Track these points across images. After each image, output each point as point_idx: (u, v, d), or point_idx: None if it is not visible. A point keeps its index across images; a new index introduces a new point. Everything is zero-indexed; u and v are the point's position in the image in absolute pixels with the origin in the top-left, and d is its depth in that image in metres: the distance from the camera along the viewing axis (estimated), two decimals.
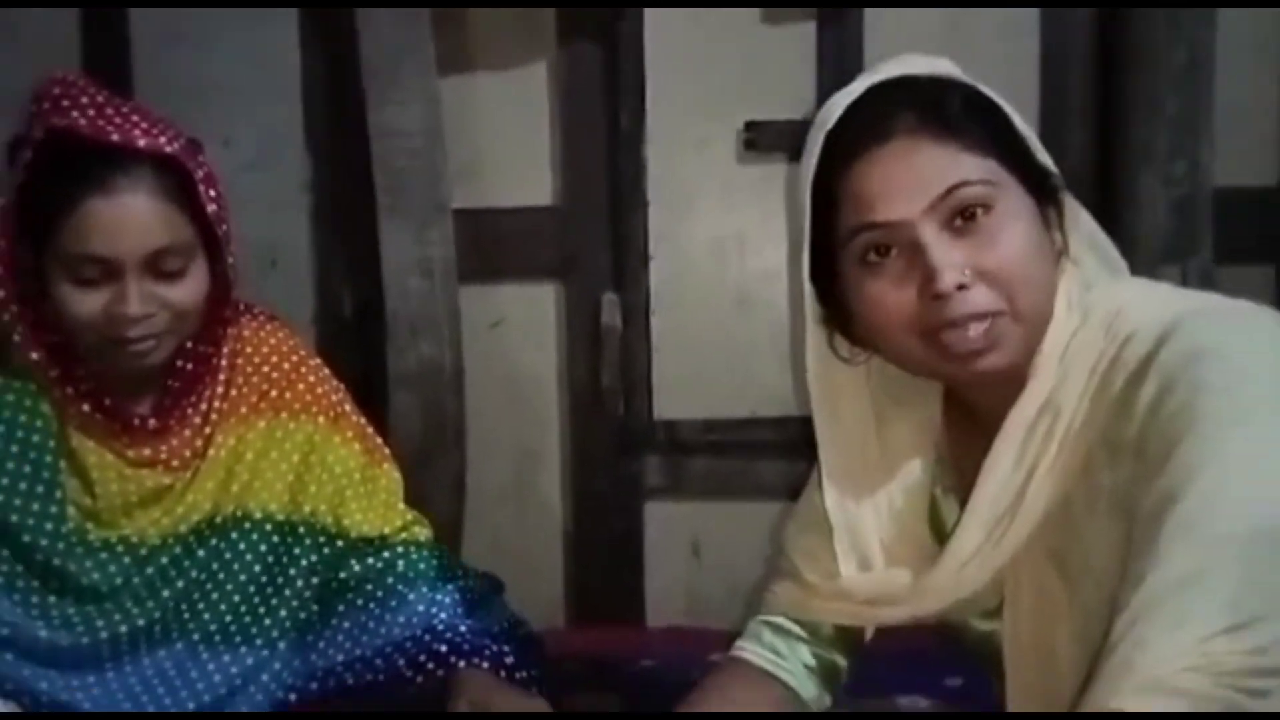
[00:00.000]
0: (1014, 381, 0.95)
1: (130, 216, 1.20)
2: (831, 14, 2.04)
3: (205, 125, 1.86)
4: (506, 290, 2.15)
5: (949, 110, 0.93)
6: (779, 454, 2.09)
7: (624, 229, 2.11)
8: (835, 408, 1.06)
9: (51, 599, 1.30)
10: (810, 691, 1.11)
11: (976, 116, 0.94)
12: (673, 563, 2.17)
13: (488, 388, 2.11)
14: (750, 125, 2.07)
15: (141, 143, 1.20)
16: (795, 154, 2.03)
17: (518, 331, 2.16)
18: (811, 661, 1.11)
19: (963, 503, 0.99)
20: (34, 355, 1.26)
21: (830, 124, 0.96)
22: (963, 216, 0.91)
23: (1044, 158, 0.97)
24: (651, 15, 2.06)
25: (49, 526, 1.29)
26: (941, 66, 0.98)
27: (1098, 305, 0.95)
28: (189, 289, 1.25)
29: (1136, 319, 0.92)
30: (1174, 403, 0.85)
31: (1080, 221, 1.00)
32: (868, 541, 1.04)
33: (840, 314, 1.01)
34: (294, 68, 2.11)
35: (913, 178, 0.91)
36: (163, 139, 1.22)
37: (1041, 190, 0.96)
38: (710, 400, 2.14)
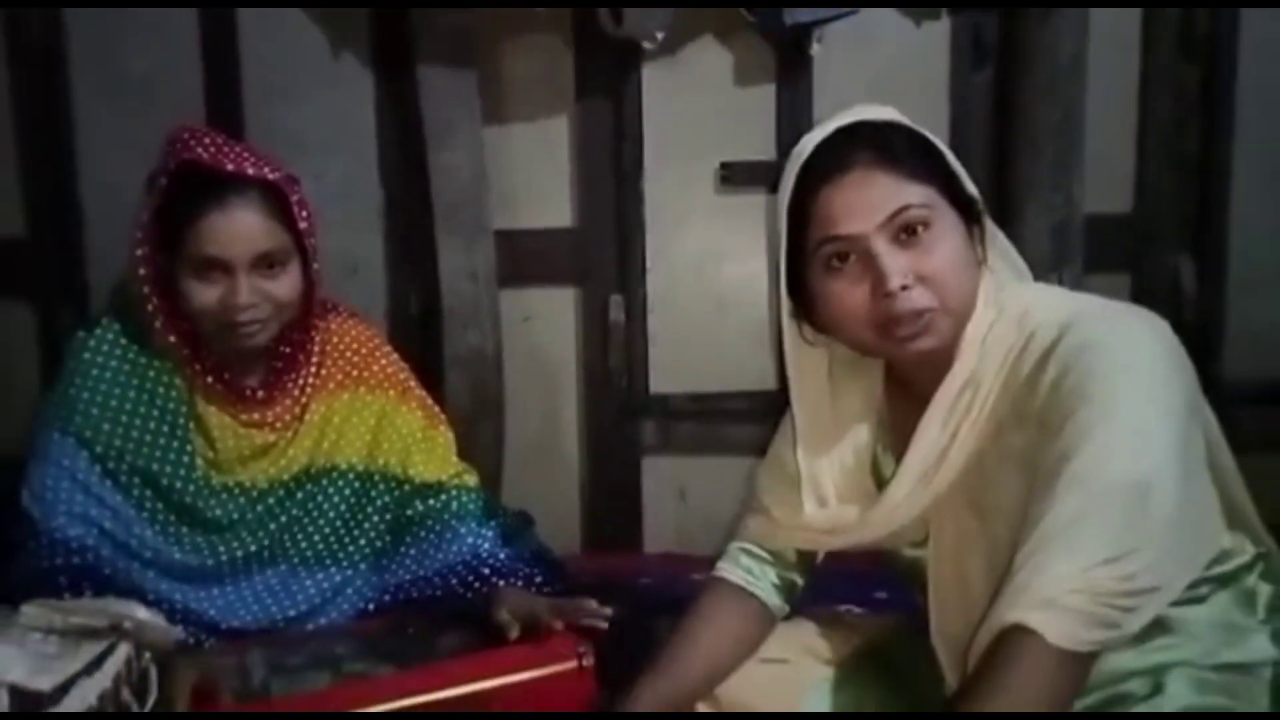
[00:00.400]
0: (943, 362, 0.95)
1: (241, 226, 1.21)
2: (787, 78, 2.03)
3: (301, 164, 1.87)
4: (535, 293, 2.13)
5: (896, 148, 0.94)
6: (749, 419, 2.07)
7: (627, 246, 2.09)
8: (803, 381, 1.06)
9: (184, 530, 1.31)
10: (776, 603, 1.12)
11: (918, 153, 0.95)
12: (664, 505, 2.16)
13: (521, 369, 2.10)
14: (725, 165, 2.06)
15: (250, 171, 1.22)
16: (762, 186, 2.07)
17: (544, 325, 2.14)
18: (777, 580, 1.12)
19: (898, 458, 1.00)
20: (171, 338, 1.27)
21: (804, 157, 0.96)
22: (907, 232, 0.92)
23: (970, 187, 0.98)
24: (649, 78, 2.04)
25: (182, 473, 1.30)
26: (889, 114, 0.99)
27: (1010, 303, 0.95)
28: (287, 285, 1.26)
29: (1040, 316, 0.92)
30: (1069, 384, 0.86)
31: (996, 239, 1.00)
32: (825, 485, 1.04)
33: (807, 308, 1.01)
34: (370, 120, 2.08)
35: (868, 201, 0.92)
36: (267, 169, 1.24)
37: (967, 212, 0.96)
38: (695, 378, 2.13)
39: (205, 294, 1.23)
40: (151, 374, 1.30)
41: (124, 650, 0.91)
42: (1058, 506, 0.82)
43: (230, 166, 1.21)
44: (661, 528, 2.16)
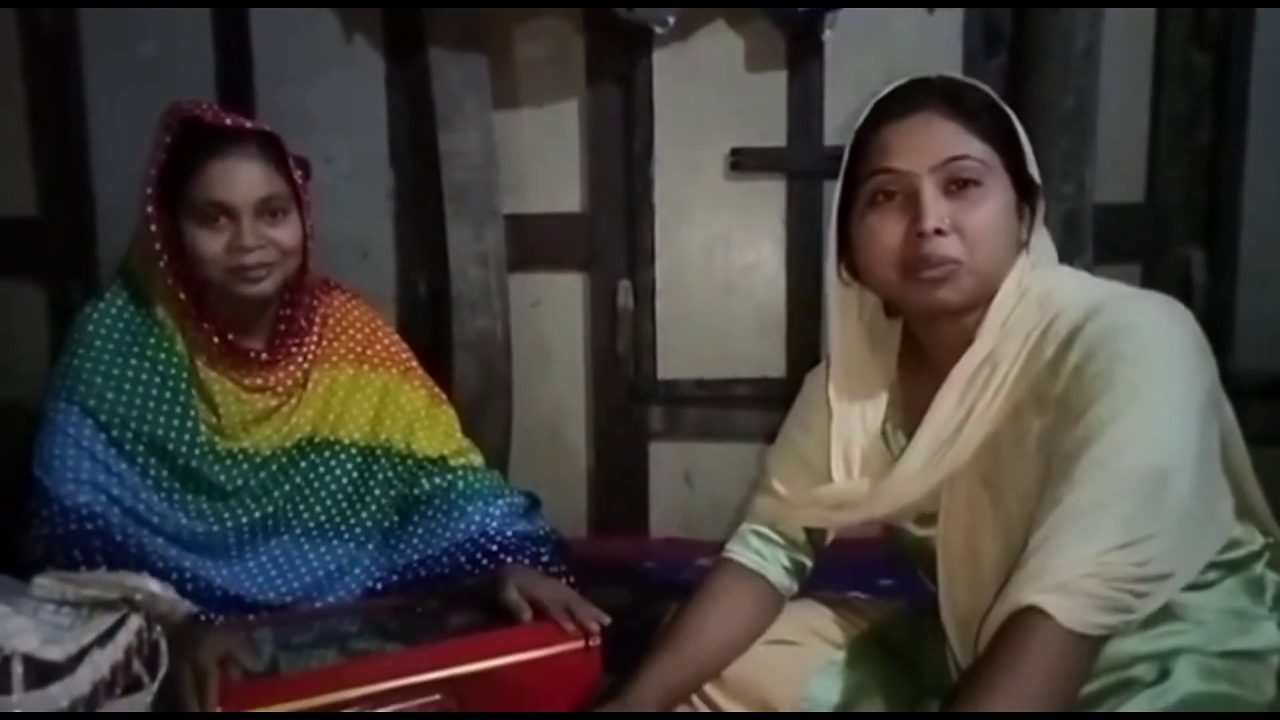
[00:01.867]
0: (961, 339, 0.95)
1: (242, 171, 1.24)
2: (799, 64, 2.02)
3: (312, 146, 1.88)
4: (543, 278, 2.13)
5: (968, 102, 0.93)
6: (754, 406, 2.08)
7: (636, 231, 2.09)
8: (844, 327, 1.05)
9: (189, 496, 1.32)
10: (785, 584, 1.11)
11: (989, 115, 0.94)
12: (670, 489, 2.16)
13: (529, 353, 2.10)
14: (735, 151, 2.05)
15: (248, 124, 1.27)
16: (772, 172, 2.06)
17: (552, 310, 2.14)
18: (787, 563, 1.11)
19: (909, 435, 0.99)
20: (181, 295, 1.28)
21: (878, 97, 0.96)
22: (957, 183, 0.91)
23: (1034, 170, 0.97)
24: (659, 63, 2.04)
25: (186, 438, 1.31)
26: (975, 83, 0.98)
27: (1034, 285, 0.94)
28: (289, 231, 1.28)
29: (1064, 298, 0.92)
30: (1094, 367, 0.85)
31: (1041, 226, 1.00)
32: (853, 450, 1.03)
33: (848, 247, 1.00)
34: (381, 102, 2.09)
35: (926, 141, 0.92)
36: (264, 126, 1.29)
37: (1023, 191, 0.96)
38: (701, 364, 2.13)
39: (212, 241, 1.25)
40: (153, 341, 1.31)
41: (135, 622, 0.92)
42: (1076, 490, 0.82)
43: (229, 121, 1.25)
44: (667, 512, 2.17)
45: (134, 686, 0.92)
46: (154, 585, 0.92)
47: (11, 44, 2.10)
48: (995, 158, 0.93)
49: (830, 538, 1.14)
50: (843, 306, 1.04)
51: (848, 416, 1.04)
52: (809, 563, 1.13)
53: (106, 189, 2.11)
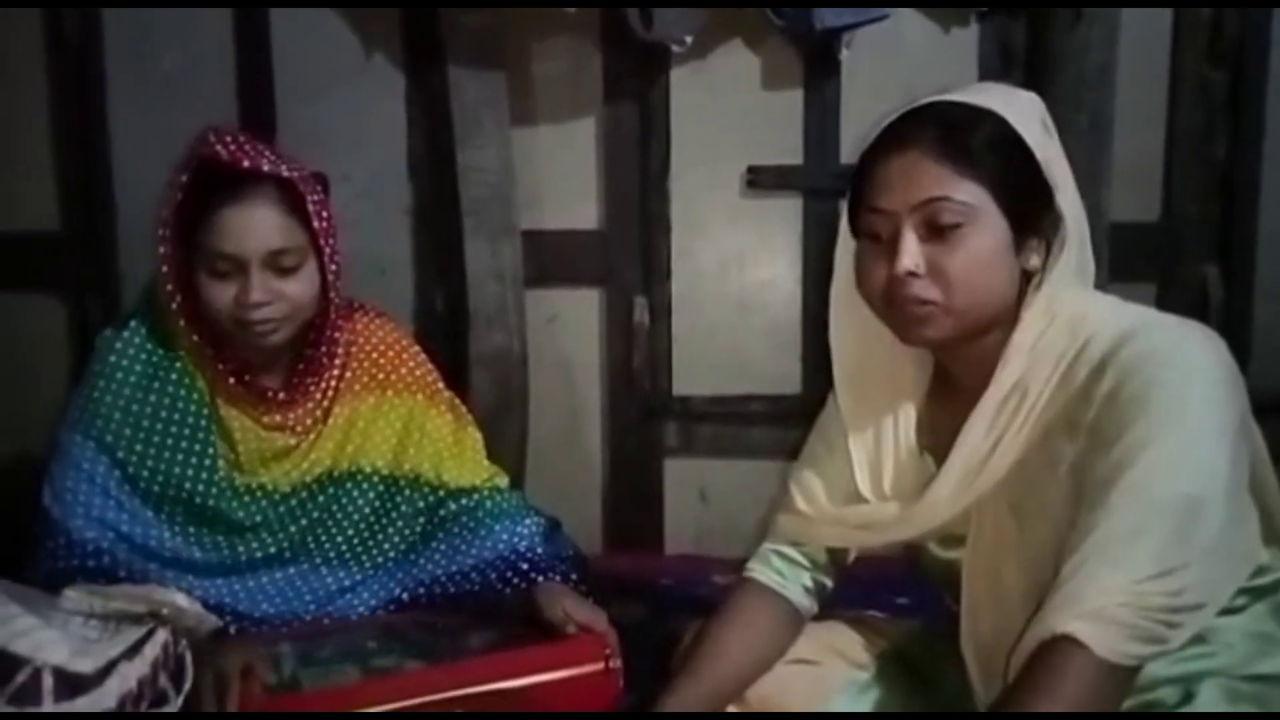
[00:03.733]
0: (989, 364, 0.95)
1: (254, 222, 1.20)
2: (815, 83, 2.04)
3: (330, 163, 1.89)
4: (560, 294, 2.13)
5: (963, 139, 0.91)
6: (769, 422, 2.09)
7: (652, 248, 2.10)
8: (863, 346, 1.04)
9: (205, 531, 1.31)
10: (806, 606, 1.11)
11: (989, 150, 0.91)
12: (685, 506, 2.16)
13: (545, 369, 2.11)
14: (752, 169, 2.06)
15: (265, 168, 1.20)
16: (789, 190, 2.07)
17: (568, 326, 2.14)
18: (809, 584, 1.11)
19: (937, 457, 0.99)
20: (195, 338, 1.26)
21: (887, 122, 0.96)
22: (937, 224, 0.91)
23: (1064, 200, 0.94)
24: (677, 80, 2.05)
25: (204, 475, 1.29)
26: (1000, 101, 0.94)
27: (1064, 309, 0.93)
28: (301, 286, 1.24)
29: (1096, 323, 0.91)
30: (1128, 393, 0.85)
31: (1070, 252, 0.95)
32: (882, 471, 1.03)
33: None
34: (400, 119, 2.10)
35: (909, 181, 0.91)
36: (283, 167, 1.22)
37: (1023, 224, 0.93)
38: (716, 380, 2.13)
39: (220, 292, 1.21)
40: (174, 376, 1.29)
41: (162, 636, 0.93)
42: (1110, 517, 0.82)
43: (246, 163, 1.19)
44: (682, 529, 2.17)
45: (160, 700, 0.92)
46: (181, 599, 0.93)
47: (35, 57, 2.12)
48: (986, 197, 0.91)
49: (852, 557, 1.13)
50: (862, 326, 1.02)
51: (870, 437, 1.03)
52: (830, 583, 1.13)
53: (128, 203, 2.12)
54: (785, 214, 2.09)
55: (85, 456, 1.25)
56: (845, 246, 1.01)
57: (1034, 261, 0.94)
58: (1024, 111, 0.94)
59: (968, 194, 0.91)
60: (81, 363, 1.86)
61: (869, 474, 1.03)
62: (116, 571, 1.19)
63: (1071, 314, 0.93)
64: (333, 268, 1.27)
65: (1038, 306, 0.93)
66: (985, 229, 0.91)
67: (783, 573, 1.10)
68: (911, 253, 0.91)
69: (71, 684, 0.86)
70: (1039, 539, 0.91)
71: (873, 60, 2.01)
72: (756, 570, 1.11)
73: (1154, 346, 0.87)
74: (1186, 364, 0.86)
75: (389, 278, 2.12)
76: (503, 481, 1.47)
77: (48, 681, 0.84)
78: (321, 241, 1.25)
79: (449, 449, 1.42)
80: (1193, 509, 0.81)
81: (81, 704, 0.86)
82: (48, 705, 0.85)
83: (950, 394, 1.02)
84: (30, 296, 2.18)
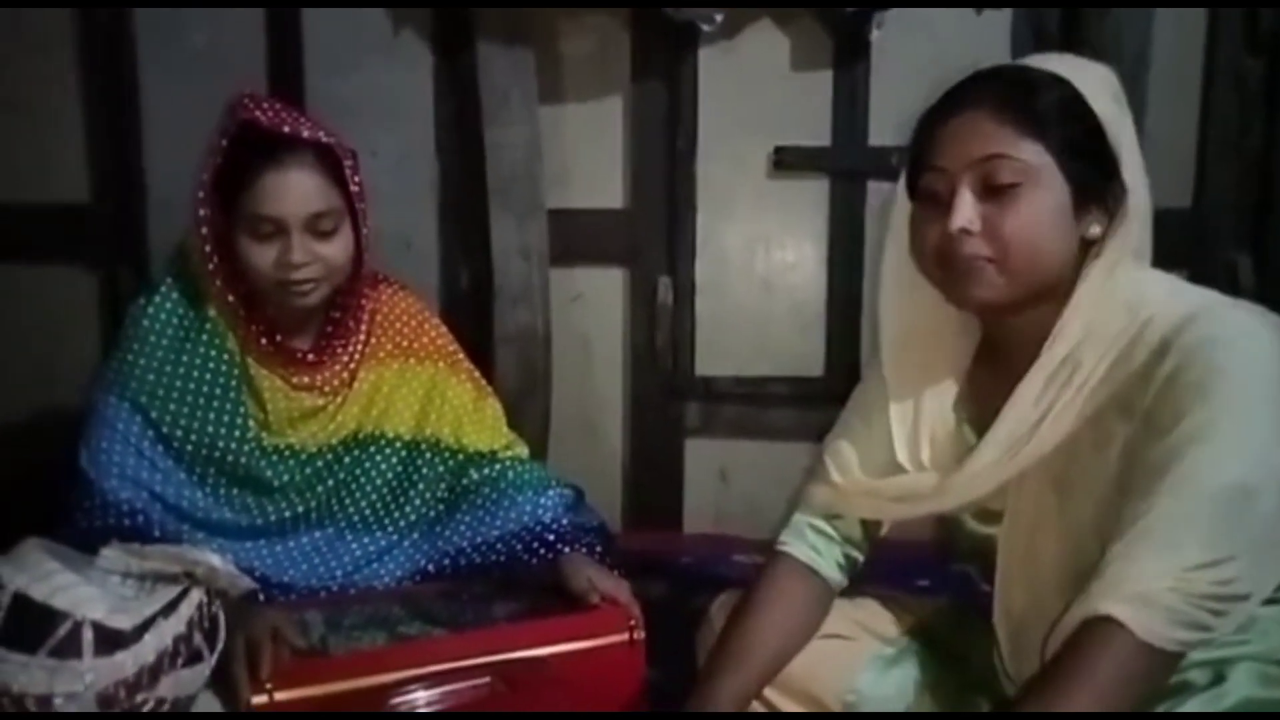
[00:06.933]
0: (1036, 334, 0.93)
1: (295, 186, 1.22)
2: (845, 64, 2.03)
3: (358, 137, 1.89)
4: (584, 272, 2.15)
5: (1026, 99, 0.89)
6: (793, 404, 2.09)
7: (677, 228, 2.10)
8: (909, 315, 1.03)
9: (235, 491, 1.33)
10: (837, 580, 1.09)
11: (1054, 112, 0.89)
12: (705, 486, 2.17)
13: (568, 348, 2.12)
14: (779, 149, 2.06)
15: (305, 133, 1.22)
16: (816, 171, 2.07)
17: (592, 305, 2.16)
18: (841, 559, 1.09)
19: (977, 429, 0.98)
20: (230, 299, 1.28)
21: (948, 86, 0.94)
22: (994, 183, 0.89)
23: (1129, 173, 0.91)
24: (705, 60, 2.05)
25: (235, 434, 1.31)
26: (1070, 68, 0.92)
27: (1122, 286, 0.91)
28: (338, 248, 1.26)
29: (1156, 304, 0.89)
30: (1188, 378, 0.83)
31: (1132, 226, 0.92)
32: (920, 442, 1.01)
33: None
34: (428, 95, 2.11)
35: (966, 140, 0.90)
36: (320, 133, 1.25)
37: (1085, 191, 0.90)
38: (739, 361, 2.14)
39: (261, 254, 1.24)
40: (205, 337, 1.31)
41: (196, 595, 0.94)
42: (1162, 503, 0.81)
43: (286, 128, 1.22)
44: (701, 509, 2.18)
45: (195, 658, 0.93)
46: (215, 560, 0.94)
47: (66, 31, 2.14)
48: (1047, 158, 0.89)
49: (884, 530, 1.12)
50: (912, 293, 1.01)
51: (911, 406, 1.02)
52: (861, 558, 1.11)
53: (158, 176, 2.14)
54: (812, 195, 2.08)
55: (119, 417, 1.27)
56: (901, 210, 1.00)
57: (1094, 230, 0.92)
58: (1094, 81, 0.92)
59: (1028, 153, 0.89)
60: (112, 334, 1.89)
61: (908, 443, 1.02)
62: (150, 531, 1.21)
63: (1130, 291, 0.91)
64: (365, 232, 1.30)
65: (1095, 279, 0.91)
66: (1044, 189, 0.89)
67: (817, 547, 1.09)
68: (966, 210, 0.89)
69: (110, 639, 0.87)
70: (1080, 517, 0.90)
71: (903, 42, 2.00)
72: (790, 544, 1.09)
73: (1216, 333, 0.85)
74: (1249, 352, 0.84)
75: (415, 254, 2.13)
76: (523, 451, 1.48)
77: (87, 636, 0.86)
78: (357, 205, 1.28)
79: (469, 415, 1.44)
80: (1245, 497, 0.80)
81: (120, 658, 0.87)
82: (87, 659, 0.86)
83: (996, 365, 1.00)
84: (61, 268, 2.21)
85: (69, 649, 0.86)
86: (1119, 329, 0.89)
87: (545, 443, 2.04)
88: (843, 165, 2.06)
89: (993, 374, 1.00)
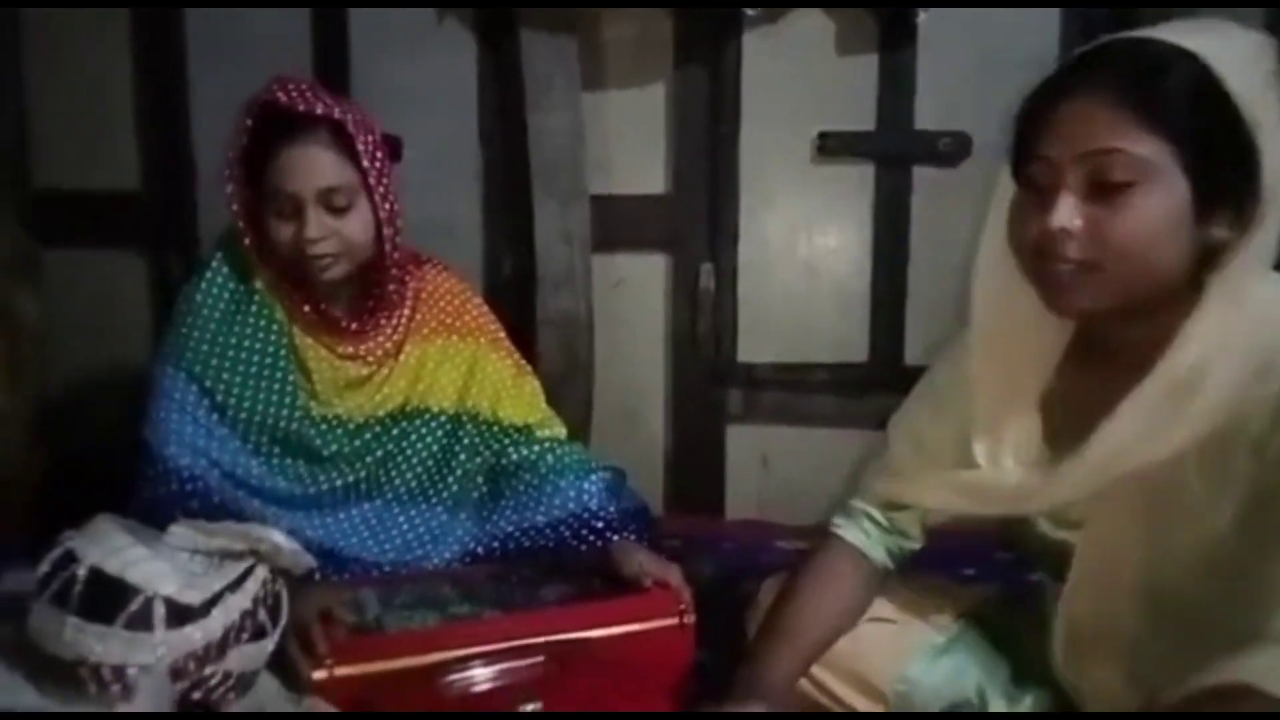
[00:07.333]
0: (1149, 340, 0.84)
1: (307, 161, 1.26)
2: (891, 48, 2.00)
3: (403, 124, 1.93)
4: (626, 258, 2.14)
5: (1150, 83, 0.80)
6: (835, 391, 2.08)
7: (720, 213, 2.09)
8: (1003, 307, 0.94)
9: (287, 459, 1.38)
10: (885, 567, 1.08)
11: (1182, 98, 0.80)
12: (747, 473, 2.16)
13: (610, 333, 2.12)
14: (823, 135, 2.04)
15: (319, 110, 1.27)
16: (860, 157, 2.05)
17: (634, 290, 2.15)
18: (894, 549, 1.08)
19: (1065, 433, 0.91)
20: (273, 272, 1.35)
21: (1067, 62, 0.86)
22: (1104, 179, 0.81)
23: (1271, 171, 0.80)
24: (749, 44, 2.03)
25: (286, 402, 1.36)
26: (1212, 41, 0.81)
27: (1253, 300, 0.82)
28: (354, 223, 1.30)
29: None
30: None
31: (1269, 231, 0.82)
32: (1002, 441, 0.95)
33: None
34: (471, 82, 2.11)
35: (1078, 130, 0.81)
36: (336, 110, 1.28)
37: (1212, 189, 0.81)
38: (781, 347, 2.12)
39: (281, 229, 1.29)
40: (254, 308, 1.36)
41: (261, 573, 0.96)
42: None
43: (302, 106, 1.26)
44: (743, 495, 2.17)
45: (259, 633, 0.96)
46: (279, 538, 0.96)
47: (118, 18, 2.16)
48: (1168, 154, 0.79)
49: (936, 521, 1.09)
50: (1008, 282, 0.92)
51: (997, 402, 0.95)
52: (916, 547, 1.10)
53: (207, 162, 2.17)
54: (856, 181, 2.07)
55: (176, 387, 1.32)
56: (1002, 194, 0.92)
57: (1219, 235, 0.82)
58: (1239, 56, 0.80)
59: (1146, 148, 0.79)
60: (162, 317, 1.92)
61: (989, 439, 0.95)
62: (210, 497, 1.26)
63: (1263, 308, 0.82)
64: (385, 207, 1.32)
65: (1221, 290, 0.81)
66: (1161, 190, 0.80)
67: (869, 534, 1.07)
68: (1068, 208, 0.82)
69: (180, 614, 0.90)
70: (1172, 543, 0.85)
71: (950, 27, 1.97)
72: (843, 526, 1.08)
73: None
74: None
75: (458, 239, 2.14)
76: (560, 431, 1.52)
77: (159, 610, 0.88)
78: (372, 181, 1.30)
79: (507, 390, 1.49)
80: None
81: (189, 632, 0.90)
82: (159, 633, 0.89)
83: (1092, 366, 0.93)
84: (112, 253, 2.25)
85: (141, 622, 0.88)
86: (1247, 348, 0.81)
87: (587, 428, 2.05)
88: (888, 150, 2.04)
89: (1087, 374, 0.94)
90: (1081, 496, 0.90)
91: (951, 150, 2.00)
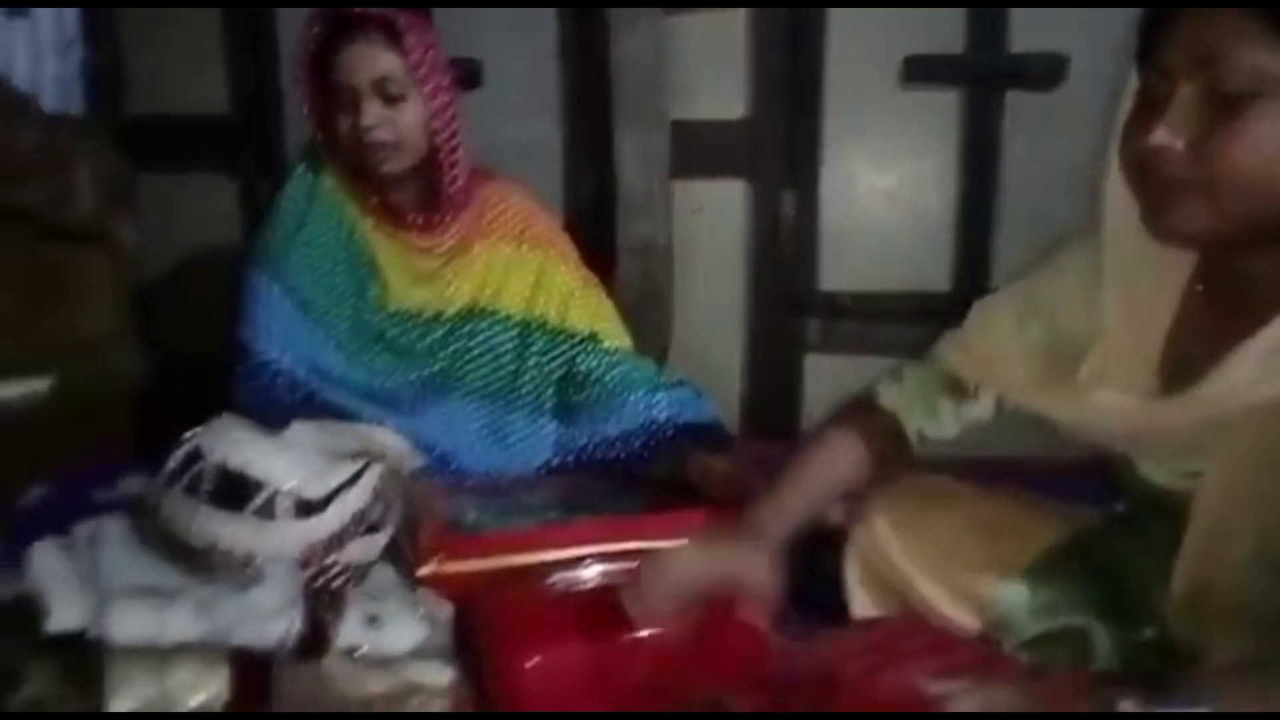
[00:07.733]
0: (1273, 288, 0.79)
1: (361, 54, 1.35)
2: None
3: (485, 48, 1.93)
4: (706, 185, 2.13)
5: None
6: (912, 320, 2.04)
7: (802, 140, 2.07)
8: (1125, 230, 0.87)
9: (366, 354, 1.45)
10: (913, 441, 1.03)
11: None
12: (824, 402, 2.11)
13: (690, 259, 2.12)
14: (909, 59, 1.99)
15: (372, 12, 1.36)
16: (947, 82, 2.01)
17: (713, 217, 2.15)
18: (926, 431, 1.03)
19: (1174, 366, 0.86)
20: (338, 165, 1.43)
21: None
22: (1222, 89, 0.74)
23: None
24: None
25: (362, 292, 1.45)
26: None
27: None
28: (408, 114, 1.37)
29: None
30: None
31: None
32: (1111, 360, 0.89)
33: None
34: (552, 8, 2.11)
35: (1196, 36, 0.75)
36: (390, 12, 1.36)
37: None
38: (861, 277, 2.11)
39: (342, 121, 1.38)
40: (325, 208, 1.45)
41: (375, 471, 1.01)
42: None
43: (358, 9, 1.35)
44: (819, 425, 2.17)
45: (373, 529, 1.01)
46: (390, 439, 1.00)
47: None
48: None
49: (979, 417, 1.03)
50: (1134, 204, 0.85)
51: (1125, 323, 0.89)
52: (945, 437, 1.04)
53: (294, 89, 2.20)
54: (942, 106, 2.02)
55: (263, 288, 1.42)
56: (1127, 107, 0.84)
57: None
58: None
59: (1269, 59, 0.73)
60: (251, 237, 1.97)
61: (1100, 360, 0.89)
62: (298, 390, 1.36)
63: None
64: (436, 101, 1.38)
65: None
66: None
67: (911, 404, 1.03)
68: (1173, 123, 0.76)
69: (303, 507, 0.95)
70: None
71: None
72: (884, 389, 1.05)
73: None
74: None
75: (538, 164, 2.14)
76: (626, 342, 1.56)
77: (284, 503, 0.93)
78: (421, 73, 1.37)
79: (574, 298, 1.53)
80: None
81: (312, 524, 0.95)
82: (282, 524, 0.94)
83: (1214, 302, 0.86)
84: (204, 176, 2.31)
85: (267, 513, 0.93)
86: None
87: (665, 353, 2.07)
88: (976, 74, 1.99)
89: (1207, 309, 0.88)
90: (1180, 429, 0.85)
91: (1047, 73, 1.94)
